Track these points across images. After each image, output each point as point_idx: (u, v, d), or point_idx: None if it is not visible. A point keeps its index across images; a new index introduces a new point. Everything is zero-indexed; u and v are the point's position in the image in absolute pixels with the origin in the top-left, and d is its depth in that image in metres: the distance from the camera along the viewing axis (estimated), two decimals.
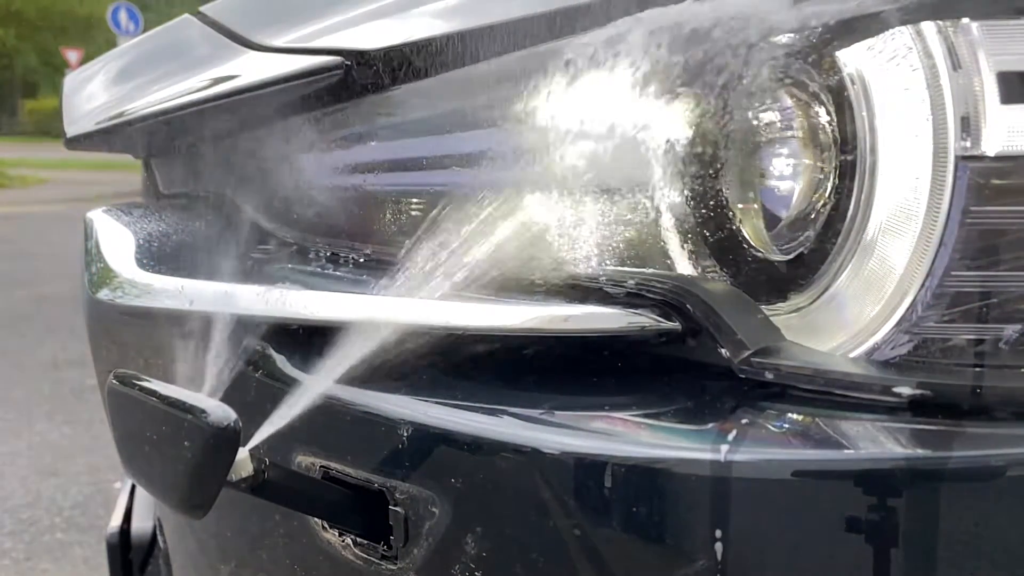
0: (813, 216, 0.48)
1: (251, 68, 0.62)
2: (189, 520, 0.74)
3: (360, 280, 0.61)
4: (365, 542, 0.52)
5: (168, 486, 0.48)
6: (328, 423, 0.52)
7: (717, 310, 0.46)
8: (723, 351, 0.46)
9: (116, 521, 1.11)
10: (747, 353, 0.45)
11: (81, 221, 0.81)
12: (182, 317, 0.61)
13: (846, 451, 0.41)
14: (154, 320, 0.67)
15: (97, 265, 0.71)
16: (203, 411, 0.45)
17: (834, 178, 0.47)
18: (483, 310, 0.49)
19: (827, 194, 0.48)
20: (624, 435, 0.44)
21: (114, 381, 0.51)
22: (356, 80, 0.58)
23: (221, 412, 0.45)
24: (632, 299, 0.48)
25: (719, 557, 0.40)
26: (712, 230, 0.50)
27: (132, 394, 0.50)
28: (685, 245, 0.51)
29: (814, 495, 0.40)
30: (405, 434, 0.48)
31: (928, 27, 0.42)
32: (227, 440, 0.45)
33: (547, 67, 0.50)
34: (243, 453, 0.47)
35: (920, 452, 0.39)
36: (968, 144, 0.41)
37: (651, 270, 0.51)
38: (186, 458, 0.45)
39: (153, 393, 0.48)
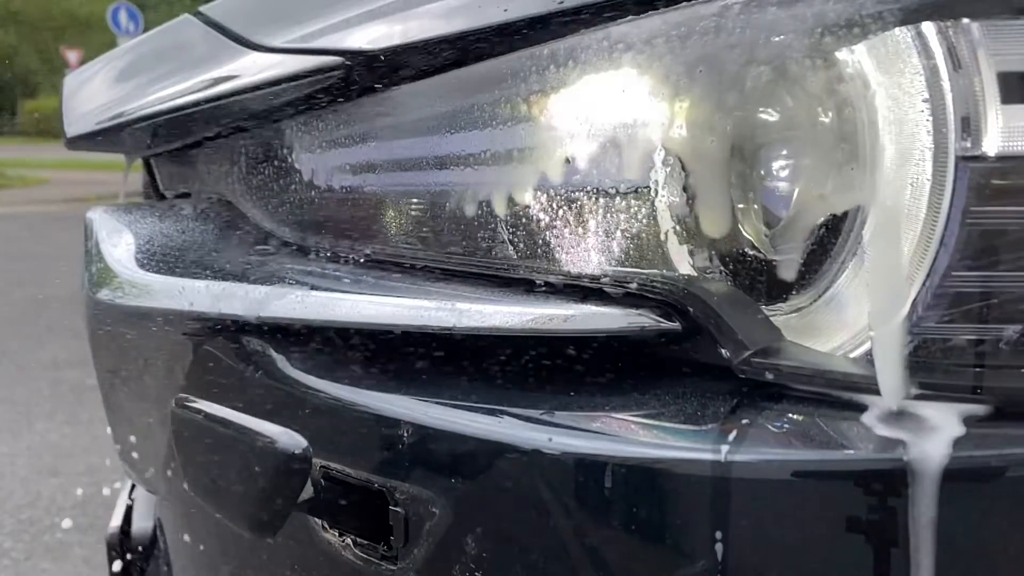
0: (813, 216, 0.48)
1: (251, 68, 0.62)
2: (189, 520, 0.74)
3: (360, 280, 0.61)
4: (365, 542, 0.52)
5: (237, 510, 0.49)
6: (328, 423, 0.52)
7: (717, 310, 0.46)
8: (723, 351, 0.46)
9: (116, 521, 1.11)
10: (747, 353, 0.45)
11: (81, 221, 0.81)
12: (182, 317, 0.61)
13: (846, 451, 0.41)
14: (154, 320, 0.67)
15: (97, 265, 0.71)
16: (271, 438, 0.46)
17: (834, 178, 0.47)
18: (483, 310, 0.49)
19: (827, 194, 0.48)
20: (624, 435, 0.44)
21: (178, 408, 0.52)
22: (356, 80, 0.58)
23: (289, 439, 0.46)
24: (632, 299, 0.48)
25: (719, 557, 0.40)
26: (712, 230, 0.50)
27: (197, 420, 0.51)
28: (685, 245, 0.51)
29: (814, 495, 0.40)
30: (405, 434, 0.48)
31: (928, 27, 0.42)
32: (297, 466, 0.46)
33: (547, 67, 0.50)
34: None
35: (920, 452, 0.39)
36: (968, 144, 0.41)
37: (651, 270, 0.51)
38: (256, 483, 0.47)
39: (219, 419, 0.50)
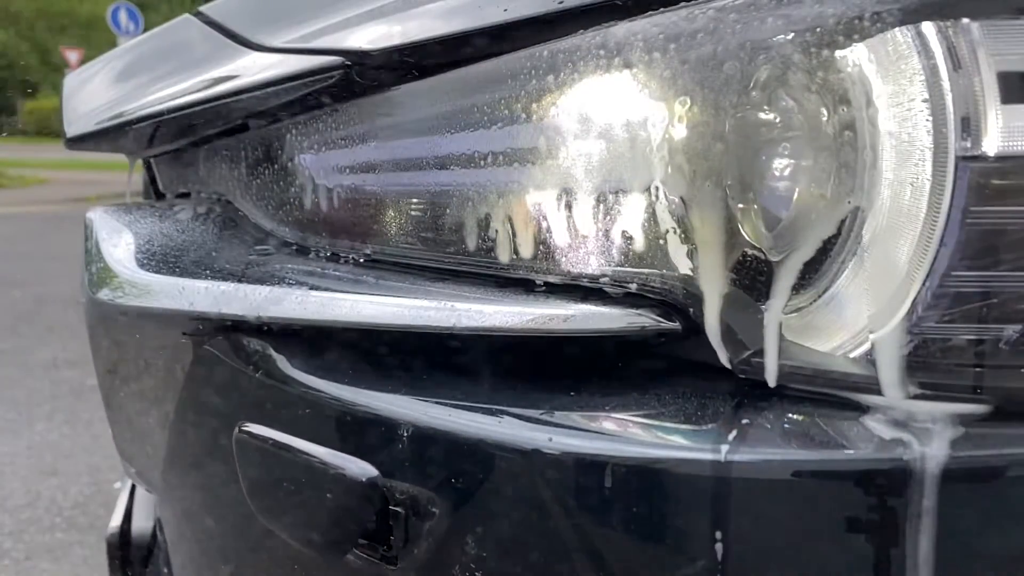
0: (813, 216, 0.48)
1: (251, 68, 0.62)
2: (189, 520, 0.74)
3: (360, 280, 0.61)
4: (365, 542, 0.52)
5: (309, 535, 0.51)
6: (329, 423, 0.52)
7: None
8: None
9: (116, 521, 1.11)
10: (747, 353, 0.45)
11: (81, 221, 0.81)
12: (182, 317, 0.61)
13: (846, 451, 0.41)
14: (154, 320, 0.67)
15: (97, 265, 0.71)
16: (341, 467, 0.47)
17: (834, 178, 0.47)
18: (483, 310, 0.49)
19: (827, 194, 0.47)
20: (624, 435, 0.44)
21: (241, 434, 0.53)
22: (356, 80, 0.58)
23: (358, 467, 0.47)
24: (632, 299, 0.48)
25: (719, 557, 0.40)
26: (712, 230, 0.50)
27: (263, 448, 0.51)
28: (685, 245, 0.51)
29: (814, 495, 0.40)
30: (405, 434, 0.48)
31: (928, 27, 0.42)
32: (369, 492, 0.47)
33: (546, 67, 0.50)
34: None
35: (920, 452, 0.39)
36: (968, 144, 0.41)
37: (651, 270, 0.51)
38: (328, 510, 0.48)
39: (285, 447, 0.51)
